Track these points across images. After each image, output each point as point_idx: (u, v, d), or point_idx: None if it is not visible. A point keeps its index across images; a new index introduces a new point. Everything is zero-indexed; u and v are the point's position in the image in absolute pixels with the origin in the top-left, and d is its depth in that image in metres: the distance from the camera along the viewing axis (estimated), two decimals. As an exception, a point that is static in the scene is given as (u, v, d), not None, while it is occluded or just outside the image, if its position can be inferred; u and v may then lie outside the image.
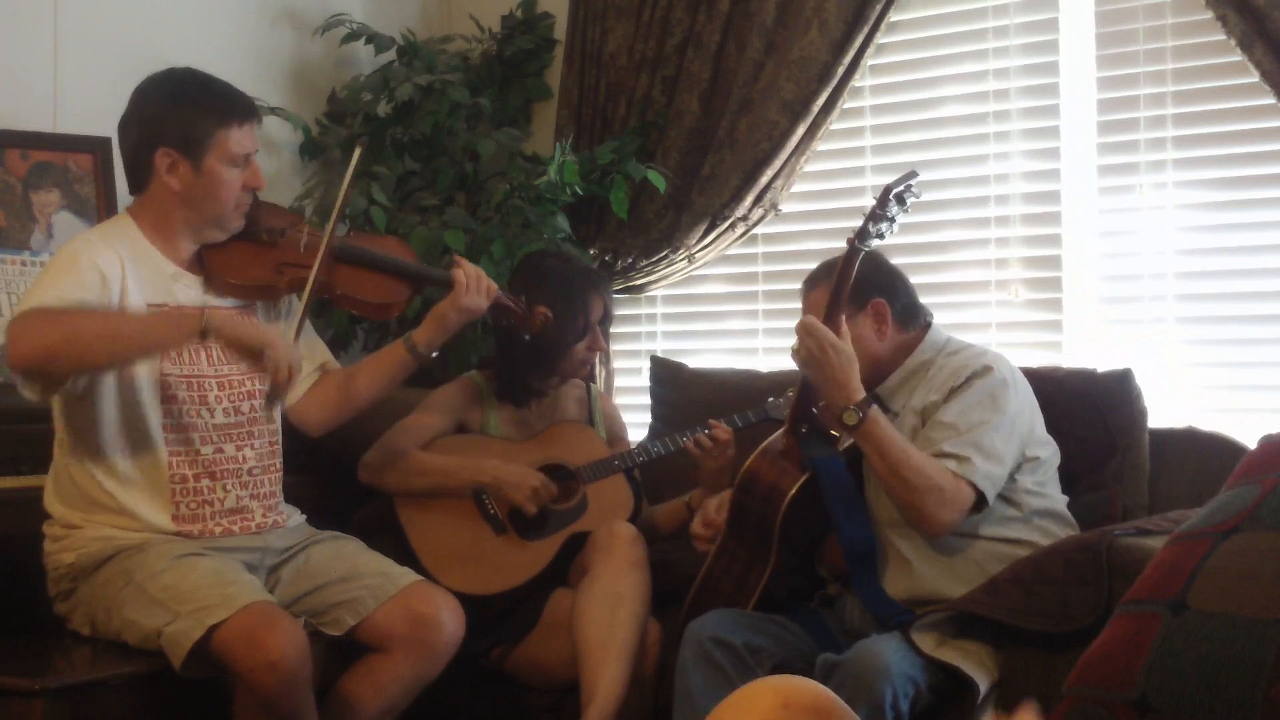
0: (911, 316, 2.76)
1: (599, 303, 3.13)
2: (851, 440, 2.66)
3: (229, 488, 2.62)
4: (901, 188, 2.55)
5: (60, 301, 2.40)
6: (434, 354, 2.86)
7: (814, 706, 1.49)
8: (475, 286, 2.77)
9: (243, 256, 2.69)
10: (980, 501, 2.51)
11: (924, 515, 2.48)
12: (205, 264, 2.66)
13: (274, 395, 2.55)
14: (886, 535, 2.61)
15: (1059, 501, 2.66)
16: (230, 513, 2.62)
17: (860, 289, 2.69)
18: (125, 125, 2.64)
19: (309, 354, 2.83)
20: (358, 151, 2.81)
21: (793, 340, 3.71)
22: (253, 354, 2.51)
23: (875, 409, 2.53)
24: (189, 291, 2.64)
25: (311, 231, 2.75)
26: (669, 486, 3.22)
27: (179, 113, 2.58)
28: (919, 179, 2.59)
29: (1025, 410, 2.62)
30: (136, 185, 2.64)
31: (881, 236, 2.56)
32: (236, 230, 2.67)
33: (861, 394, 2.53)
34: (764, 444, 2.73)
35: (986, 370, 2.61)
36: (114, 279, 2.51)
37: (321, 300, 3.22)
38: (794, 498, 2.63)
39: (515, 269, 3.30)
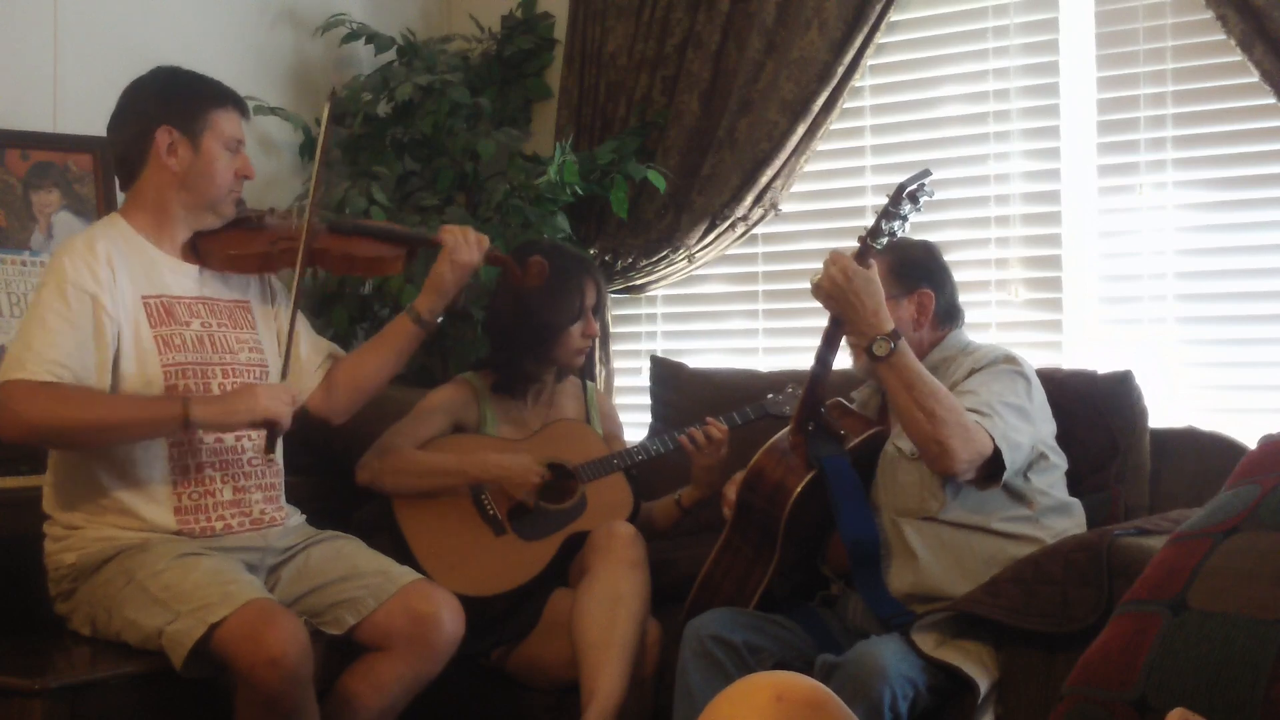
0: (950, 316, 2.78)
1: (593, 287, 3.13)
2: (858, 440, 2.67)
3: (229, 477, 2.63)
4: (915, 186, 2.53)
5: (55, 368, 2.43)
6: (439, 319, 2.88)
7: (808, 700, 1.50)
8: (465, 241, 2.81)
9: (238, 236, 2.74)
10: (996, 465, 2.48)
11: (946, 449, 2.43)
12: (200, 248, 2.70)
13: (273, 439, 2.60)
14: (897, 524, 2.59)
15: (1071, 503, 2.65)
16: (230, 504, 2.63)
17: (911, 275, 2.70)
18: (119, 118, 2.68)
19: (314, 348, 2.87)
20: (327, 108, 2.82)
21: (793, 340, 3.77)
22: (251, 425, 2.57)
23: (904, 341, 2.50)
24: (185, 281, 2.67)
25: (300, 216, 2.79)
26: (664, 482, 3.22)
27: (175, 97, 2.65)
28: (932, 178, 2.58)
29: (1041, 410, 2.63)
30: (130, 176, 2.67)
31: (894, 235, 2.55)
32: (229, 218, 2.72)
33: (890, 325, 2.49)
34: (770, 441, 2.72)
35: (1011, 360, 2.64)
36: (106, 288, 2.52)
37: (322, 297, 3.21)
38: (799, 496, 2.63)
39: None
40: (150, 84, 2.67)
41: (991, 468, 2.50)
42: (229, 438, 2.64)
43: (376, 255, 2.82)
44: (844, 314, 2.53)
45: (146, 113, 2.63)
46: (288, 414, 2.56)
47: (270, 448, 2.60)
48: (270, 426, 2.55)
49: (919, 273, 2.73)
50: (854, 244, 2.55)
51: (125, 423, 2.48)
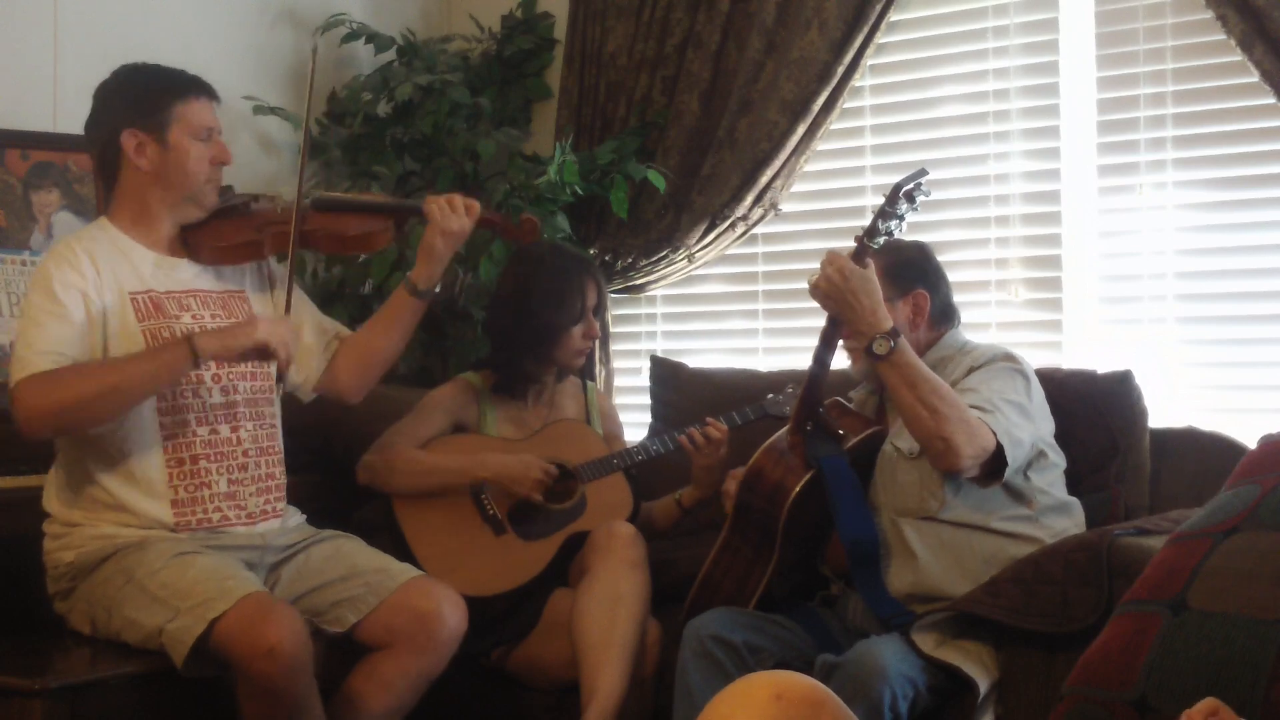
0: (946, 316, 2.77)
1: (594, 288, 3.13)
2: (857, 439, 2.66)
3: (224, 470, 2.62)
4: (911, 185, 2.53)
5: (54, 357, 2.45)
6: (437, 289, 2.87)
7: (807, 699, 1.51)
8: (451, 210, 2.79)
9: (225, 226, 2.74)
10: (998, 462, 2.48)
11: (951, 445, 2.42)
12: (189, 241, 2.71)
13: (281, 376, 2.63)
14: (897, 524, 2.59)
15: (1071, 502, 2.65)
16: (226, 497, 2.63)
17: (906, 276, 2.70)
18: (90, 124, 2.69)
19: (319, 329, 2.88)
20: (313, 60, 2.83)
21: (792, 340, 3.77)
22: (250, 352, 2.55)
23: (903, 339, 2.51)
24: (174, 275, 2.67)
25: (286, 199, 2.81)
26: (664, 482, 3.22)
27: (135, 95, 2.64)
28: (928, 177, 2.58)
29: (1040, 408, 2.63)
30: (109, 179, 2.69)
31: (890, 234, 2.55)
32: (212, 207, 2.72)
33: (889, 323, 2.49)
34: (768, 441, 2.72)
35: (1010, 358, 2.65)
36: (91, 283, 2.54)
37: (322, 296, 3.19)
38: (798, 496, 2.63)
39: (509, 259, 3.30)
40: (112, 86, 2.67)
41: (993, 465, 2.50)
42: (224, 429, 2.64)
43: (365, 231, 2.81)
44: (842, 314, 2.53)
45: (111, 117, 2.63)
46: (285, 344, 2.55)
47: (280, 380, 2.65)
48: (268, 354, 2.54)
49: (913, 274, 2.73)
50: (852, 244, 2.55)
51: (139, 377, 2.47)
